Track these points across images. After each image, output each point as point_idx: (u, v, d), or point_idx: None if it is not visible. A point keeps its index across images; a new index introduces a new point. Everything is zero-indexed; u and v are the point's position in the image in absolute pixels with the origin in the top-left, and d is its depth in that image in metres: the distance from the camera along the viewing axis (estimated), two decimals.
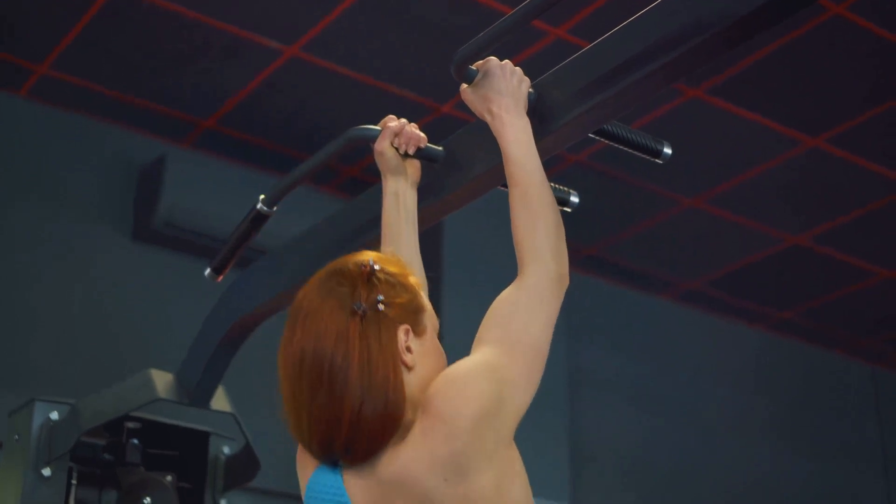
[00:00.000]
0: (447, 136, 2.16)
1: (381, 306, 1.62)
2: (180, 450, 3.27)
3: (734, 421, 6.35)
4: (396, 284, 1.66)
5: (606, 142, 2.05)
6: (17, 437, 3.07)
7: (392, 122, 2.04)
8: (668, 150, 2.05)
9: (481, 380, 1.57)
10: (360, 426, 1.56)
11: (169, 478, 3.14)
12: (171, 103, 4.89)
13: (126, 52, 4.60)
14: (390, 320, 1.62)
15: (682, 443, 6.13)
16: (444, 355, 1.72)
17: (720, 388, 6.36)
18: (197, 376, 3.07)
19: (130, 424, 3.17)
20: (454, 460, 1.53)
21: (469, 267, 5.10)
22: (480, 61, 1.88)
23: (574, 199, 2.16)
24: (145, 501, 3.02)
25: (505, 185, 2.10)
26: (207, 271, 2.60)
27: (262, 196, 2.37)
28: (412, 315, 1.66)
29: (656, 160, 2.05)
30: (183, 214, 4.85)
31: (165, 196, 4.82)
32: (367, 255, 1.68)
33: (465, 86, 1.90)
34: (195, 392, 3.10)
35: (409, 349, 1.63)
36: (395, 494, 1.57)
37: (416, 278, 1.73)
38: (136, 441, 3.15)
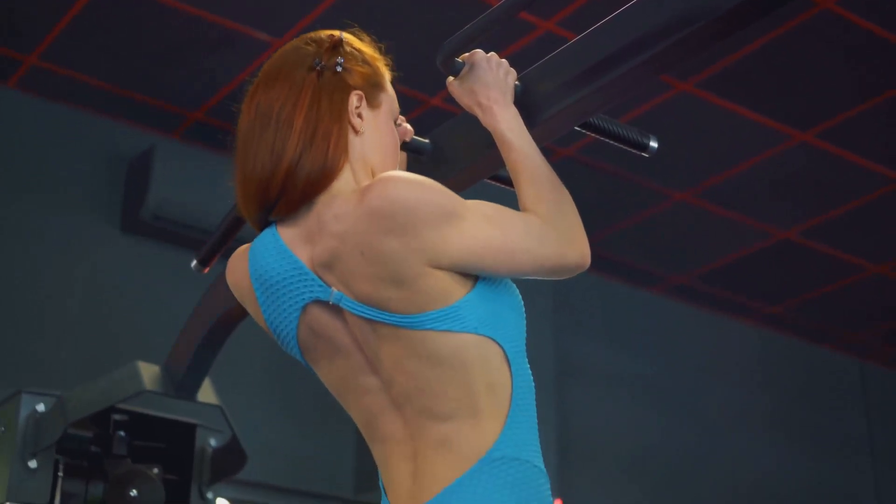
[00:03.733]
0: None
1: (339, 68, 1.68)
2: (167, 442, 3.28)
3: (724, 414, 6.36)
4: (361, 58, 1.72)
5: (594, 135, 2.04)
6: (3, 428, 3.07)
7: None
8: (654, 144, 2.03)
9: (436, 192, 1.57)
10: (298, 172, 1.62)
11: (155, 470, 3.13)
12: (160, 95, 4.88)
13: (115, 43, 4.58)
14: (346, 84, 1.68)
15: (673, 436, 6.14)
16: (399, 145, 1.76)
17: (709, 381, 6.37)
18: (183, 368, 3.07)
19: (117, 416, 3.17)
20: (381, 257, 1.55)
21: None
22: (466, 54, 1.87)
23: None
24: (132, 493, 3.02)
25: (492, 178, 2.10)
26: (194, 263, 2.60)
27: None
28: (370, 87, 1.71)
29: (643, 153, 2.04)
30: (171, 206, 4.84)
31: (154, 188, 4.81)
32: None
33: (451, 78, 1.89)
34: (182, 384, 3.10)
35: (360, 115, 1.68)
36: (330, 240, 1.60)
37: (386, 65, 1.77)
38: (122, 433, 3.15)
